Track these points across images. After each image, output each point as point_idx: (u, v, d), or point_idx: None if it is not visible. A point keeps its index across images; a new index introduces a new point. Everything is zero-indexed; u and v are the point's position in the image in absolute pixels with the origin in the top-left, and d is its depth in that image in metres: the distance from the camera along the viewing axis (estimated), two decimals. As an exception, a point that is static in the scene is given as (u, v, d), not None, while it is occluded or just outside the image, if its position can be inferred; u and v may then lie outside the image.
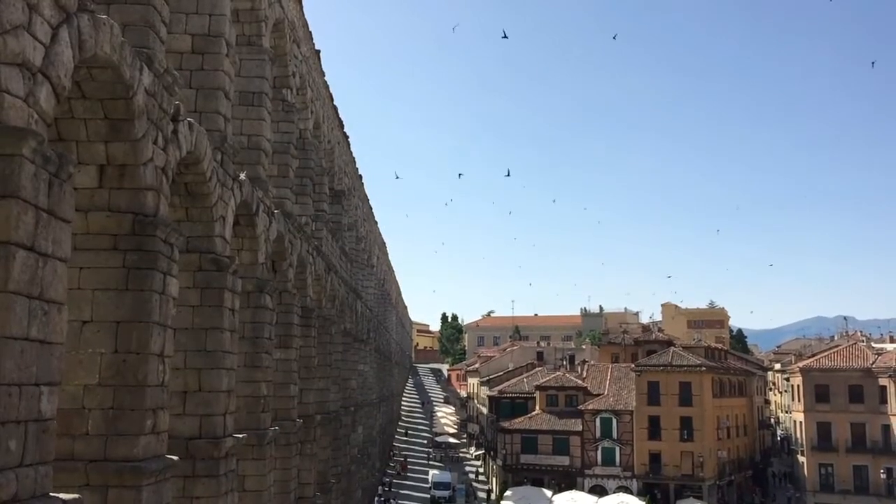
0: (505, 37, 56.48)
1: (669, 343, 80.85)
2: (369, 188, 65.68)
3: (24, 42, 9.40)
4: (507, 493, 66.60)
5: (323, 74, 37.12)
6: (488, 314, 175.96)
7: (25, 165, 9.19)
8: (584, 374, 79.46)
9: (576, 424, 71.98)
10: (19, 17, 9.31)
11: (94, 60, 11.75)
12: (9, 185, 9.04)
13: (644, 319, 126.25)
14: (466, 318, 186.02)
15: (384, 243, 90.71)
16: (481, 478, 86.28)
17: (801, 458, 74.04)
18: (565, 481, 69.74)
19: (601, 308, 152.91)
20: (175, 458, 14.83)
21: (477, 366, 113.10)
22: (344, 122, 45.37)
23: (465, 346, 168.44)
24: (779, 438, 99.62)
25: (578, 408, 72.70)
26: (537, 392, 76.45)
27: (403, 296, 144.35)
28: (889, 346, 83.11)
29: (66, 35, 10.44)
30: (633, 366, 74.67)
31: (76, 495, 10.80)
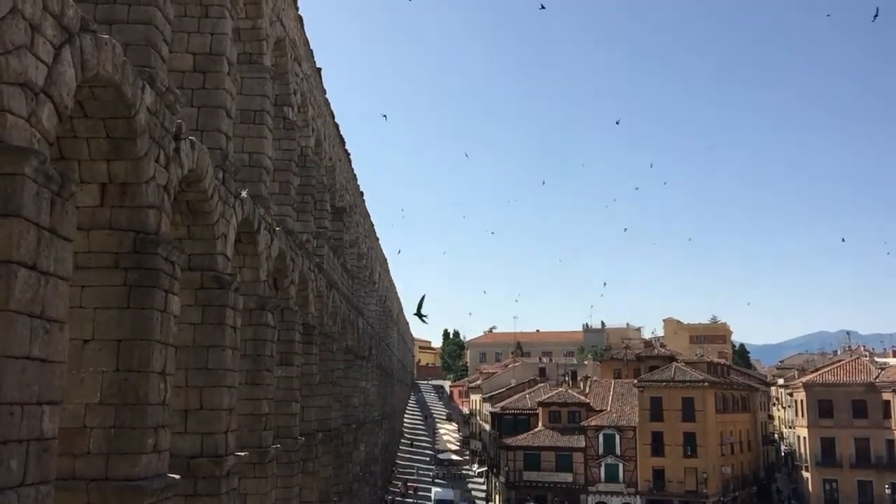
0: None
1: (672, 358, 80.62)
2: (371, 205, 65.96)
3: (26, 62, 9.46)
4: (510, 510, 66.33)
5: (324, 92, 37.27)
6: (490, 330, 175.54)
7: (27, 184, 9.23)
8: (587, 390, 79.21)
9: (578, 441, 71.71)
10: (22, 37, 9.38)
11: (96, 80, 11.81)
12: (11, 204, 9.08)
13: (646, 335, 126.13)
14: (468, 335, 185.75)
15: (386, 260, 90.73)
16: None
17: (806, 474, 73.71)
18: (569, 498, 69.42)
19: (603, 323, 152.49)
20: (176, 476, 14.78)
21: (479, 382, 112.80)
22: (345, 140, 45.53)
23: (466, 362, 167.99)
24: (782, 454, 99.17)
25: (581, 424, 72.44)
26: (540, 408, 76.20)
27: (405, 312, 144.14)
28: (892, 361, 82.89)
29: (69, 55, 10.50)
30: (635, 381, 74.44)
31: (77, 515, 10.78)
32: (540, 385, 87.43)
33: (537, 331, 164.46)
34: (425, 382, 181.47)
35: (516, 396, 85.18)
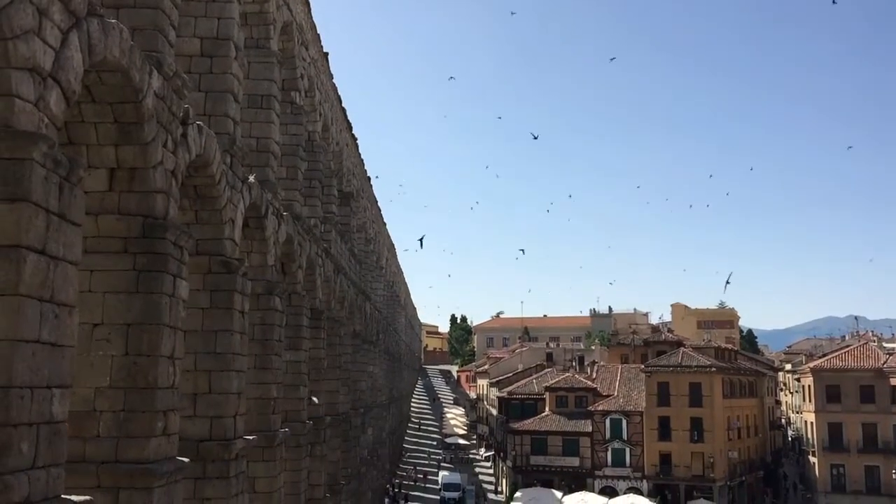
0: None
1: (679, 344, 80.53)
2: (378, 190, 66.03)
3: (34, 47, 9.45)
4: (517, 494, 66.54)
5: (331, 77, 37.18)
6: (497, 315, 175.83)
7: (36, 169, 9.25)
8: (594, 375, 79.29)
9: (585, 425, 71.86)
10: (29, 21, 9.37)
11: (103, 64, 11.80)
12: (20, 189, 9.11)
13: (653, 320, 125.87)
14: (475, 320, 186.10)
15: (393, 245, 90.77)
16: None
17: (813, 459, 73.71)
18: (575, 482, 69.59)
19: (610, 309, 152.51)
20: (186, 459, 14.87)
21: (486, 367, 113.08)
22: (352, 124, 45.46)
23: (474, 347, 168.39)
24: (790, 439, 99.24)
25: (588, 409, 72.56)
26: (547, 393, 76.34)
27: (412, 297, 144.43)
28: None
29: (76, 39, 10.49)
30: (642, 367, 74.44)
31: (88, 497, 10.86)
32: (547, 370, 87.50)
33: (545, 316, 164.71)
34: (433, 367, 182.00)
35: (523, 381, 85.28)
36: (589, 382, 76.46)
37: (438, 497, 74.82)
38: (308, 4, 29.83)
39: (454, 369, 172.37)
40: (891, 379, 69.74)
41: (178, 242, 14.40)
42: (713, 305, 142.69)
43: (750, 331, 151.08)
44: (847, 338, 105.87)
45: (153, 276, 13.74)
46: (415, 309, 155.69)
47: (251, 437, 19.57)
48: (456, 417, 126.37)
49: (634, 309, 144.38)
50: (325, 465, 31.76)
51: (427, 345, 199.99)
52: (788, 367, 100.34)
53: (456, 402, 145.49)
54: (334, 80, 38.01)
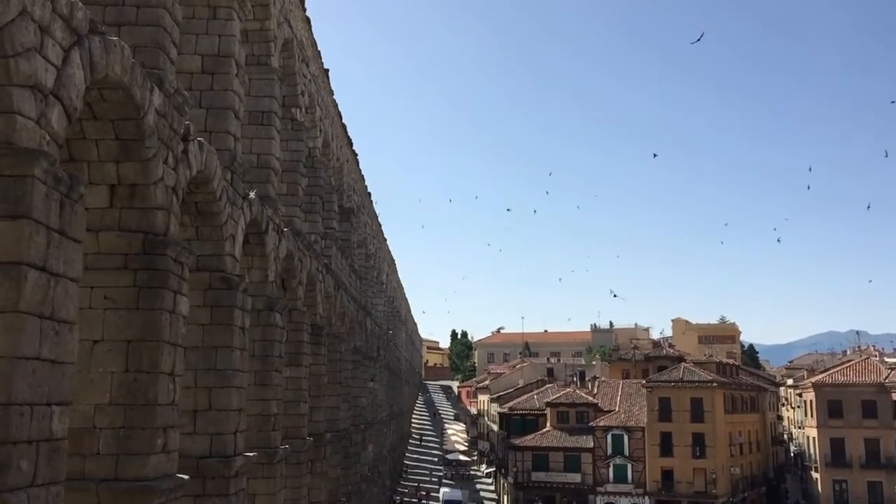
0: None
1: (680, 359, 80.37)
2: (379, 205, 66.23)
3: (36, 64, 9.50)
4: (519, 510, 66.27)
5: (332, 93, 37.31)
6: (498, 331, 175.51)
7: (37, 186, 9.27)
8: (595, 391, 79.06)
9: (587, 441, 71.61)
10: (31, 39, 9.42)
11: (105, 82, 11.85)
12: (21, 206, 9.12)
13: (654, 335, 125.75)
14: (476, 335, 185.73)
15: (393, 260, 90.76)
16: None
17: (815, 475, 73.41)
18: (577, 499, 69.35)
19: (611, 324, 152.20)
20: (186, 477, 14.82)
21: (487, 382, 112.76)
22: (352, 140, 45.57)
23: (475, 362, 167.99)
24: (792, 455, 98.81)
25: (589, 424, 72.32)
26: (548, 409, 76.12)
27: (413, 312, 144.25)
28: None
29: (78, 57, 10.54)
30: (643, 382, 74.25)
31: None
32: (548, 385, 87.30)
33: (545, 331, 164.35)
34: (433, 383, 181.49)
35: (524, 397, 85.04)
36: (590, 398, 76.23)
37: None
38: (309, 21, 29.98)
39: (455, 385, 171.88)
40: (893, 394, 69.54)
41: (179, 259, 14.41)
42: (714, 320, 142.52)
43: (751, 346, 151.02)
44: (849, 352, 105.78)
45: (153, 293, 13.74)
46: (415, 324, 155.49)
47: (251, 454, 19.51)
48: (457, 433, 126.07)
49: (635, 324, 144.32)
50: (325, 481, 31.63)
51: (428, 360, 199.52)
52: (790, 382, 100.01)
53: (457, 418, 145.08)
54: (335, 97, 38.14)
